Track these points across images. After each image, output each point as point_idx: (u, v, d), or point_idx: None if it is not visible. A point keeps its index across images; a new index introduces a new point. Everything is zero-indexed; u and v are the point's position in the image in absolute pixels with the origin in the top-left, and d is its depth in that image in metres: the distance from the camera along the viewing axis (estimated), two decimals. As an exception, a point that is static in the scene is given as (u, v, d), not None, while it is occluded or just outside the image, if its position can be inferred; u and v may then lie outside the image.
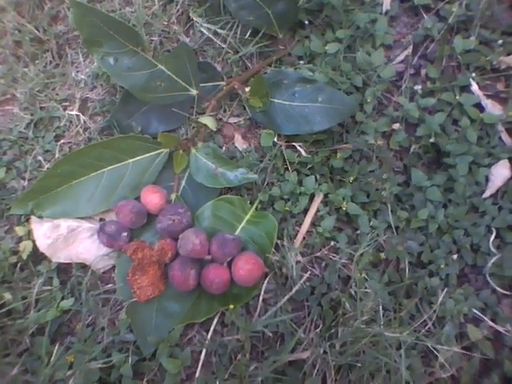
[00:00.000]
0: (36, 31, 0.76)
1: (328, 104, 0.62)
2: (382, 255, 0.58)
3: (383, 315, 0.53)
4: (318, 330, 0.52)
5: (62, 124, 0.69)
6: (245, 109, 0.69)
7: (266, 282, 0.56)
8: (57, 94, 0.72)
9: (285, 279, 0.57)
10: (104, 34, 0.60)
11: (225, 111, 0.70)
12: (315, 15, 0.73)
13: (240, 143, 0.67)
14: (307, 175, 0.63)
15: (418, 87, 0.68)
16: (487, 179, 0.63)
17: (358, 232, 0.59)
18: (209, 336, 0.53)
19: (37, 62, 0.76)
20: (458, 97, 0.65)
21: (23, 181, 0.66)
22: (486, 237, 0.59)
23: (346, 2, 0.73)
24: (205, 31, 0.72)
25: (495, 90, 0.67)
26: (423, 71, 0.71)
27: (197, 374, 0.52)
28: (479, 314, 0.56)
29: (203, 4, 0.73)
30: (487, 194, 0.62)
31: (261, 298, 0.55)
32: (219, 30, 0.72)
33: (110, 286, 0.58)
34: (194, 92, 0.64)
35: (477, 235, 0.59)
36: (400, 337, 0.50)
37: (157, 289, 0.55)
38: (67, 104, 0.72)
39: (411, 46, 0.73)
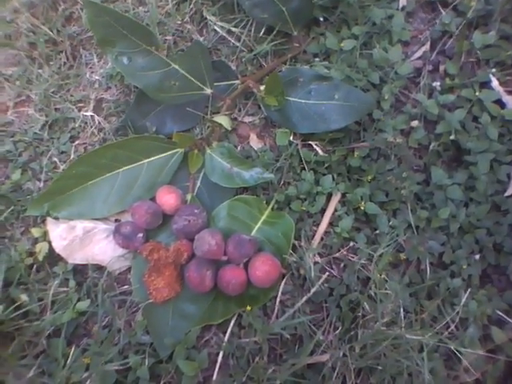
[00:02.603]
0: (50, 32, 0.76)
1: (345, 101, 0.61)
2: (403, 256, 0.56)
3: (404, 317, 0.52)
4: (337, 332, 0.51)
5: (76, 125, 0.69)
6: (260, 108, 0.68)
7: (283, 283, 0.55)
8: (71, 95, 0.72)
9: (302, 280, 0.56)
10: (118, 33, 0.59)
11: (239, 110, 0.69)
12: (330, 12, 0.72)
13: (255, 142, 0.67)
14: (324, 174, 0.62)
15: (437, 84, 0.66)
16: (509, 177, 0.61)
17: (377, 232, 0.58)
18: (226, 338, 0.52)
19: (51, 63, 0.76)
20: (477, 93, 0.64)
21: (39, 182, 0.66)
22: (508, 236, 0.58)
23: (361, -2, 0.72)
24: (218, 30, 0.72)
25: (516, 87, 0.66)
26: (442, 67, 0.69)
27: (214, 377, 0.51)
28: (503, 315, 0.54)
29: (217, 2, 0.73)
30: (509, 192, 0.60)
31: (278, 300, 0.54)
32: (233, 29, 0.71)
33: (126, 287, 0.57)
34: (208, 91, 0.63)
35: (499, 234, 0.58)
36: (422, 339, 0.48)
37: (173, 290, 0.54)
38: (82, 105, 0.71)
39: (429, 42, 0.72)
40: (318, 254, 0.58)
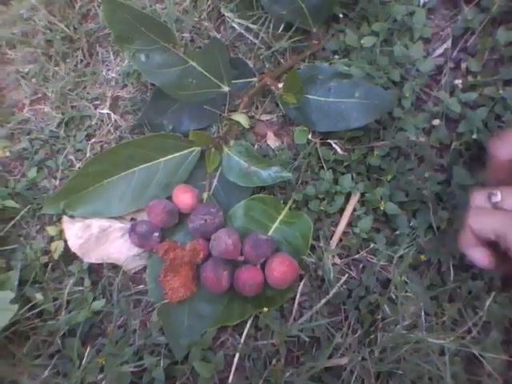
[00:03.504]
0: (67, 30, 0.76)
1: (365, 99, 0.60)
2: (423, 257, 0.55)
3: (425, 320, 0.50)
4: (356, 335, 0.50)
5: (93, 123, 0.69)
6: (277, 106, 0.67)
7: (301, 284, 0.54)
8: (88, 93, 0.72)
9: (321, 282, 0.55)
10: (135, 30, 0.59)
11: (257, 108, 0.68)
12: (350, 8, 0.70)
13: (273, 141, 0.66)
14: (343, 173, 0.61)
15: (459, 81, 0.65)
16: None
17: (397, 233, 0.57)
18: (242, 340, 0.51)
19: (68, 60, 0.76)
20: (501, 91, 0.62)
21: (54, 180, 0.66)
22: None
23: (381, -6, 0.70)
24: (236, 27, 0.71)
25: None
26: (463, 65, 0.68)
27: (230, 379, 0.51)
28: (527, 319, 0.52)
29: (234, -1, 0.72)
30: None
31: (296, 302, 0.53)
32: (251, 26, 0.70)
33: (141, 286, 0.57)
34: (225, 89, 0.62)
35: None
36: (443, 343, 0.47)
37: (189, 290, 0.53)
38: (98, 103, 0.71)
39: (450, 39, 0.70)
40: (337, 254, 0.57)
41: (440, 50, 0.70)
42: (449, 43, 0.70)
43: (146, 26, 0.59)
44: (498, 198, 0.41)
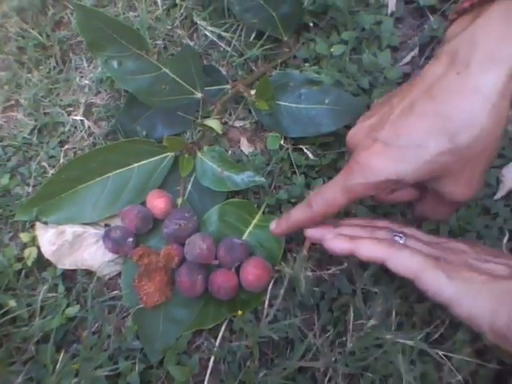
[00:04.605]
0: (39, 37, 0.76)
1: (335, 106, 0.62)
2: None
3: (395, 320, 0.52)
4: (328, 334, 0.51)
5: (66, 129, 0.69)
6: (250, 112, 0.68)
7: (271, 285, 0.54)
8: (61, 100, 0.72)
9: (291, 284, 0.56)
10: (108, 37, 0.59)
11: (230, 115, 0.69)
12: (320, 17, 0.72)
13: (246, 147, 0.67)
14: (315, 178, 0.62)
15: (426, 88, 0.67)
16: (498, 181, 0.62)
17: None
18: (217, 343, 0.52)
19: (40, 67, 0.75)
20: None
21: (27, 187, 0.65)
22: (499, 239, 0.58)
23: (350, 3, 0.72)
24: (209, 34, 0.72)
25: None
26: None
27: (205, 382, 0.51)
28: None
29: (207, 7, 0.73)
30: (498, 195, 0.61)
31: (266, 302, 0.53)
32: (223, 33, 0.71)
33: (115, 292, 0.57)
34: (198, 95, 0.63)
35: (489, 237, 0.58)
36: (410, 343, 0.48)
37: (163, 295, 0.54)
38: (71, 109, 0.71)
39: (417, 48, 0.72)
40: (310, 257, 0.58)
41: (407, 58, 0.72)
42: (416, 51, 0.72)
43: (119, 33, 0.59)
44: (402, 240, 0.43)
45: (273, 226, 0.49)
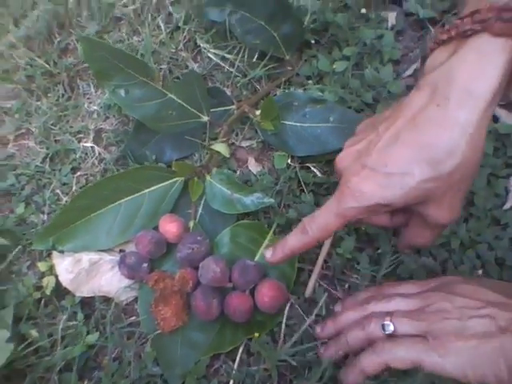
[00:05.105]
0: (46, 65, 0.77)
1: (339, 123, 0.63)
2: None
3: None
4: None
5: (77, 156, 0.70)
6: (256, 132, 0.69)
7: (287, 307, 0.55)
8: (71, 127, 0.73)
9: (309, 304, 0.57)
10: (114, 67, 0.61)
11: (237, 135, 0.70)
12: (321, 34, 0.73)
13: (254, 166, 0.68)
14: (323, 195, 0.63)
15: (429, 101, 0.67)
16: (507, 190, 0.62)
17: (380, 251, 0.59)
18: (235, 366, 0.53)
19: (49, 95, 0.77)
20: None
21: (42, 215, 0.67)
22: (510, 249, 0.59)
23: (351, 19, 0.73)
24: (212, 57, 0.73)
25: (508, 100, 0.67)
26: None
27: (225, 405, 0.52)
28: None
29: (209, 30, 0.74)
30: (508, 205, 0.62)
31: (283, 325, 0.54)
32: (227, 55, 0.73)
33: (133, 318, 0.58)
34: (205, 118, 0.64)
35: (500, 248, 0.59)
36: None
37: (180, 319, 0.55)
38: (81, 136, 0.72)
39: (419, 60, 0.73)
40: (323, 275, 0.59)
41: (409, 71, 0.73)
42: (418, 64, 0.73)
43: (125, 62, 0.61)
44: (391, 328, 0.44)
45: (268, 254, 0.50)
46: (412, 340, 0.42)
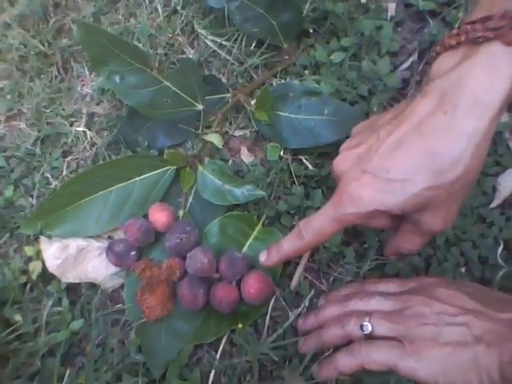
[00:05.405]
0: (41, 46, 0.76)
1: (334, 117, 0.62)
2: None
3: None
4: (328, 352, 0.52)
5: (69, 140, 0.69)
6: (250, 121, 0.69)
7: (273, 300, 0.55)
8: (63, 110, 0.72)
9: (293, 296, 0.57)
10: (110, 53, 0.60)
11: (230, 124, 0.69)
12: (320, 23, 0.72)
13: (246, 156, 0.67)
14: (314, 188, 0.63)
15: (425, 95, 0.67)
16: (494, 189, 0.62)
17: (366, 246, 0.59)
18: (218, 356, 0.53)
19: (42, 76, 0.76)
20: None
21: (31, 198, 0.66)
22: (494, 249, 0.59)
23: (350, 9, 0.72)
24: (209, 43, 0.72)
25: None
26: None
27: (206, 395, 0.52)
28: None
29: (208, 15, 0.73)
30: (494, 204, 0.61)
31: (268, 317, 0.55)
32: (224, 42, 0.71)
33: (119, 305, 0.58)
34: (199, 107, 0.64)
35: (484, 247, 0.59)
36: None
37: (165, 308, 0.55)
38: (74, 119, 0.72)
39: (417, 52, 0.72)
40: (308, 268, 0.59)
41: (407, 64, 0.72)
42: (415, 56, 0.72)
43: (120, 48, 0.60)
44: (369, 328, 0.44)
45: (263, 257, 0.50)
46: (389, 344, 0.42)
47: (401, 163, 0.40)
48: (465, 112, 0.37)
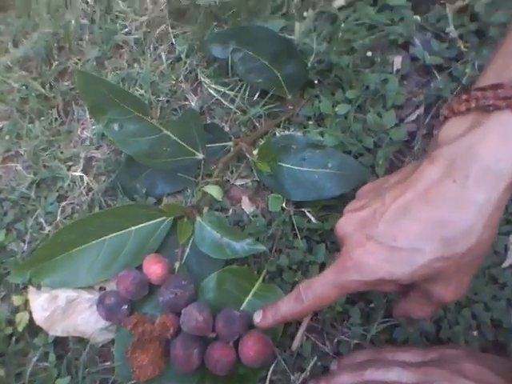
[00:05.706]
0: (42, 89, 0.75)
1: (338, 170, 0.61)
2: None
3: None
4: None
5: (65, 185, 0.68)
6: (252, 170, 0.67)
7: (274, 363, 0.52)
8: (61, 153, 0.71)
9: (295, 358, 0.54)
10: (109, 101, 0.59)
11: (232, 173, 0.68)
12: (325, 75, 0.72)
13: (247, 206, 0.65)
14: (317, 242, 0.61)
15: (431, 149, 0.66)
16: (506, 248, 0.60)
17: (373, 305, 0.56)
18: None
19: (42, 118, 0.75)
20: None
21: (23, 243, 0.64)
22: (507, 311, 0.56)
23: (356, 62, 0.72)
24: (213, 92, 0.71)
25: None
26: (436, 132, 0.69)
27: None
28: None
29: (212, 64, 0.73)
30: (507, 263, 0.59)
31: (267, 382, 0.51)
32: (227, 91, 0.71)
33: (108, 363, 0.55)
34: (200, 156, 0.62)
35: (497, 309, 0.56)
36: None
37: (157, 368, 0.52)
38: (71, 163, 0.70)
39: (423, 106, 0.72)
40: (311, 329, 0.56)
41: (413, 117, 0.71)
42: (421, 110, 0.72)
43: (120, 97, 0.59)
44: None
45: (258, 318, 0.48)
46: None
47: (409, 231, 0.38)
48: (476, 182, 0.36)
